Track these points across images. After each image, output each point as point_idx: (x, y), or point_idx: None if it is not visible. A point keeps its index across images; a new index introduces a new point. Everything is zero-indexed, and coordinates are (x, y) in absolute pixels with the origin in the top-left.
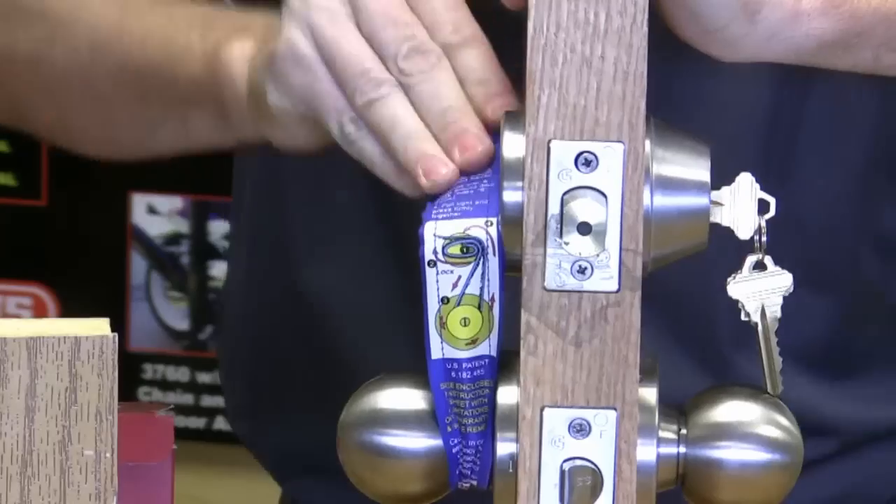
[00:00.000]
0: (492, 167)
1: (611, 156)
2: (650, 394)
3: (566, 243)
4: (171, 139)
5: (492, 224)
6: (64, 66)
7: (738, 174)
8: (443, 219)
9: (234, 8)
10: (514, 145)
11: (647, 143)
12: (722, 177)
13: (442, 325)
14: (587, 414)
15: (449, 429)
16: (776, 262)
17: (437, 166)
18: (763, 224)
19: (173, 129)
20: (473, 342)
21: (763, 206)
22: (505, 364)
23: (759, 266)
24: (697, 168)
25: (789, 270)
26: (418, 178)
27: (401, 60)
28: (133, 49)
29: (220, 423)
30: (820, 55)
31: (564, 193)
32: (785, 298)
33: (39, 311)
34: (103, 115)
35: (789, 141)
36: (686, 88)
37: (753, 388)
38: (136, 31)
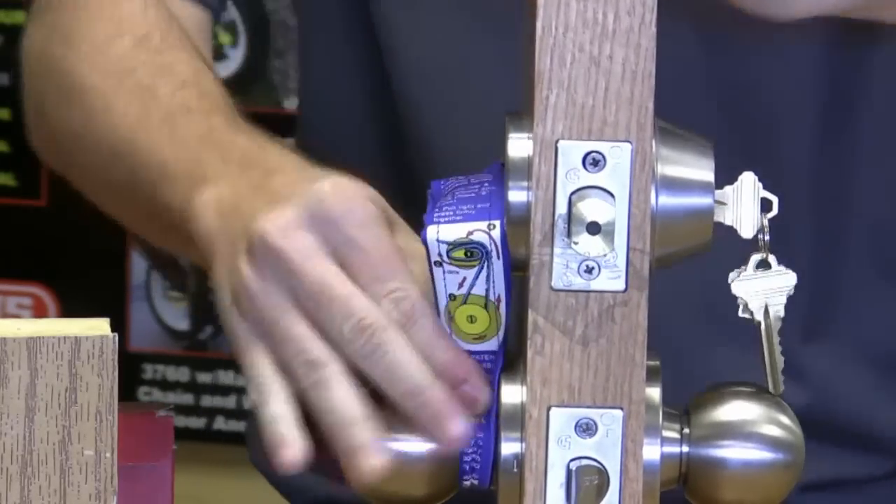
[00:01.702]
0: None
1: (618, 155)
2: (654, 393)
3: (575, 243)
4: (170, 245)
5: (494, 227)
6: (93, 155)
7: (794, 152)
8: (445, 222)
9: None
10: (518, 146)
11: (652, 143)
12: (774, 153)
13: (450, 318)
14: (594, 413)
15: None
16: (846, 254)
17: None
18: (766, 223)
19: (170, 240)
20: (481, 338)
21: (766, 205)
22: (509, 363)
23: (763, 265)
24: (701, 168)
25: (860, 262)
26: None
27: (345, 341)
28: (138, 166)
29: (220, 423)
30: (871, 4)
31: (572, 193)
32: (860, 294)
33: (39, 311)
34: (118, 207)
35: (846, 116)
36: (734, 65)
37: (755, 388)
38: (143, 147)
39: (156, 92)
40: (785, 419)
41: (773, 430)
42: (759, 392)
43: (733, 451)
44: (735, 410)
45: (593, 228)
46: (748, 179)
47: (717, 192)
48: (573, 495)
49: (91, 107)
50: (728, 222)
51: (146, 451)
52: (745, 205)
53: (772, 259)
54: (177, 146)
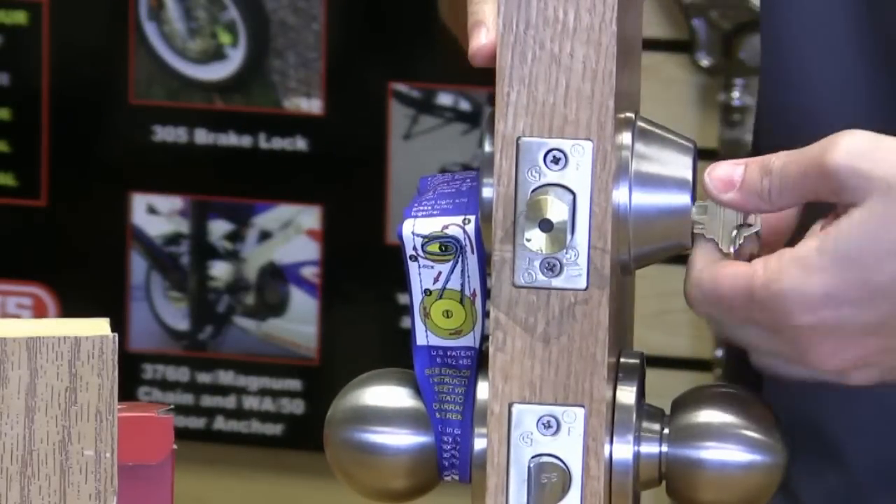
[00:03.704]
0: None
1: (580, 153)
2: (628, 392)
3: (528, 240)
4: None
5: (469, 222)
6: None
7: None
8: (422, 216)
9: None
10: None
11: (629, 140)
12: None
13: (426, 314)
14: (556, 411)
15: (438, 415)
16: None
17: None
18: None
19: None
20: (457, 333)
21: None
22: (486, 359)
23: None
24: (679, 166)
25: None
26: None
27: None
28: None
29: (220, 423)
30: None
31: (533, 190)
32: None
33: (39, 311)
34: None
35: None
36: None
37: (737, 389)
38: None
39: None
40: (766, 421)
41: (752, 432)
42: (741, 394)
43: (711, 452)
44: (714, 411)
45: (545, 226)
46: None
47: (700, 203)
48: (532, 492)
49: None
50: (709, 235)
51: (146, 451)
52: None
53: None
54: None
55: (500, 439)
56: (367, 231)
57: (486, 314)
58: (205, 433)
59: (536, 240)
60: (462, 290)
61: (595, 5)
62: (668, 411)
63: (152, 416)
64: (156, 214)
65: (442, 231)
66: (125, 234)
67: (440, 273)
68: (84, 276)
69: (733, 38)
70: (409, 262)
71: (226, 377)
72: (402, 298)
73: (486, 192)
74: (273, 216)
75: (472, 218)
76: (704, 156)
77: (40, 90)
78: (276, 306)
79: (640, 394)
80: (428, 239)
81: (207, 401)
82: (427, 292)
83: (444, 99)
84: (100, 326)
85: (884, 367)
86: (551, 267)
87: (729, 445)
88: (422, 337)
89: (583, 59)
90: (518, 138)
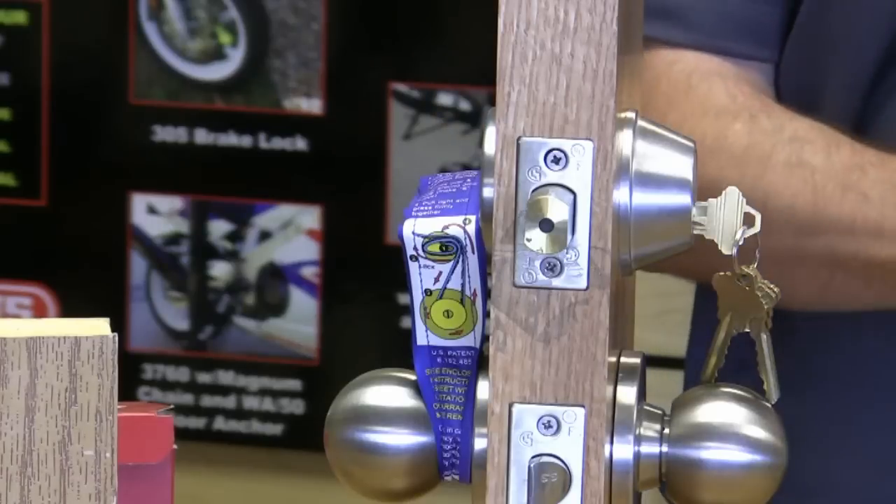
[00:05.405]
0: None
1: (580, 153)
2: (629, 392)
3: (528, 240)
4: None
5: (470, 222)
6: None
7: None
8: (423, 216)
9: None
10: (493, 141)
11: (630, 139)
12: None
13: (426, 314)
14: (556, 411)
15: (438, 415)
16: None
17: None
18: (742, 240)
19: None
20: (457, 333)
21: (748, 221)
22: (486, 359)
23: (745, 278)
24: (679, 165)
25: None
26: None
27: None
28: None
29: (220, 423)
30: None
31: (534, 190)
32: None
33: (39, 311)
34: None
35: None
36: None
37: (738, 389)
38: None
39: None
40: (767, 421)
41: (753, 432)
42: (741, 393)
43: (711, 452)
44: (714, 411)
45: (546, 226)
46: (732, 194)
47: (700, 203)
48: (533, 492)
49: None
50: (709, 237)
51: (146, 451)
52: (727, 220)
53: (754, 272)
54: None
55: (500, 439)
56: (367, 231)
57: (486, 314)
58: (205, 433)
59: (537, 240)
60: (462, 290)
61: (595, 5)
62: (667, 411)
63: (152, 416)
64: (156, 214)
65: (442, 231)
66: (125, 234)
67: (441, 273)
68: (84, 276)
69: None
70: (410, 262)
71: (226, 377)
72: (402, 298)
73: (487, 192)
74: (273, 216)
75: (473, 218)
76: None
77: (40, 90)
78: (276, 306)
79: (641, 394)
80: (428, 239)
81: (207, 401)
82: (427, 292)
83: (444, 99)
84: (100, 326)
85: None
86: (552, 267)
87: (729, 445)
88: (422, 337)
89: (583, 59)
90: (518, 138)
